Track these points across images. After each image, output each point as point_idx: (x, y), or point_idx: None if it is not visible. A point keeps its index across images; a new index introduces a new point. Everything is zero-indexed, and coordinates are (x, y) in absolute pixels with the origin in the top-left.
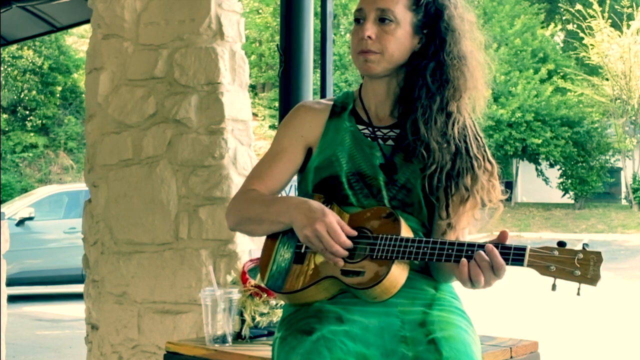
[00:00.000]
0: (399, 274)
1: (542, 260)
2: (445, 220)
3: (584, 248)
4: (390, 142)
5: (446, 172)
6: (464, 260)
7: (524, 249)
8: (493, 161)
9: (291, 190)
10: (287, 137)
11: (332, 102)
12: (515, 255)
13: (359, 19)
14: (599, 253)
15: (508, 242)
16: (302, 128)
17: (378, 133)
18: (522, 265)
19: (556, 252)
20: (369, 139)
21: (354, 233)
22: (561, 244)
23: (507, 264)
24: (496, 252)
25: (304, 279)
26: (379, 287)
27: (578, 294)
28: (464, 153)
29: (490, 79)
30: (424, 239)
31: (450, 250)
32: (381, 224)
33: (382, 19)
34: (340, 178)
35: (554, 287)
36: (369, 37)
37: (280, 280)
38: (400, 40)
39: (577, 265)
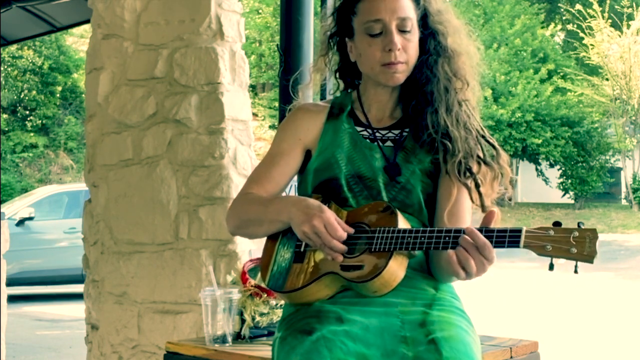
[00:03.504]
0: (397, 266)
1: (539, 241)
2: (477, 204)
3: (579, 226)
4: (389, 143)
5: (470, 156)
6: (450, 250)
7: (519, 230)
8: (491, 140)
9: (291, 190)
10: (285, 141)
11: (329, 104)
12: (511, 237)
13: (378, 32)
14: (594, 230)
15: (504, 226)
16: (299, 131)
17: (377, 134)
18: (518, 246)
19: (552, 232)
20: (367, 140)
21: (351, 230)
22: (557, 223)
23: (504, 246)
24: (476, 232)
25: (304, 277)
26: (378, 279)
27: (576, 271)
28: (476, 135)
29: (480, 68)
30: (421, 228)
31: (447, 238)
32: (378, 218)
33: (403, 28)
34: (339, 180)
35: (551, 266)
36: (398, 48)
37: (281, 280)
38: (416, 45)
39: (573, 243)
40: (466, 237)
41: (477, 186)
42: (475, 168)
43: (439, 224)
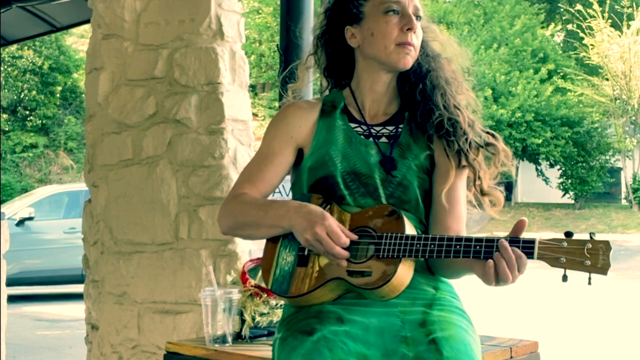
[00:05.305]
0: (405, 272)
1: (552, 252)
2: (474, 189)
3: (591, 237)
4: (384, 139)
5: (474, 140)
6: (489, 261)
7: (532, 241)
8: (488, 130)
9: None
10: (276, 139)
11: (321, 101)
12: (524, 249)
13: (396, 10)
14: (607, 242)
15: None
16: (291, 129)
17: (372, 130)
18: (532, 258)
19: (565, 244)
20: (362, 136)
21: (354, 237)
22: (568, 234)
23: None
24: (506, 243)
25: (310, 281)
26: (387, 286)
27: (589, 283)
28: (475, 124)
29: (471, 79)
30: (430, 235)
31: (457, 247)
32: (384, 222)
33: (417, 17)
34: (335, 178)
35: (564, 278)
36: (415, 30)
37: (285, 284)
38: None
39: (587, 255)
40: (509, 248)
41: (477, 171)
42: (476, 153)
43: (436, 205)
